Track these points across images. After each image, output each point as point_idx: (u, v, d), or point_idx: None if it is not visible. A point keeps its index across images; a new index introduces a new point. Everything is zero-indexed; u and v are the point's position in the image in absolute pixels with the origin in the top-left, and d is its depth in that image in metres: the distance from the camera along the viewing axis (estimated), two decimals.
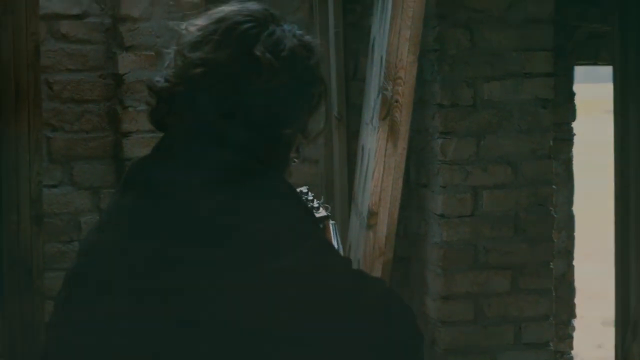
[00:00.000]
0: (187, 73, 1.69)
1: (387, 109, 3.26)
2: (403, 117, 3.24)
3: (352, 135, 4.48)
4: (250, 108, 1.66)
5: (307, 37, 1.75)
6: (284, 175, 1.73)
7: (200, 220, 1.60)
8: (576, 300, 5.63)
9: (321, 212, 2.09)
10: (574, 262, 5.58)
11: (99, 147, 4.31)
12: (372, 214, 3.33)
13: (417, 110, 4.21)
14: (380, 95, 3.33)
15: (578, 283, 5.77)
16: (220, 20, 1.72)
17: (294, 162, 1.77)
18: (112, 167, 4.30)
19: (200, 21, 1.74)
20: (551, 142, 4.41)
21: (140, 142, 4.19)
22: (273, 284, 1.56)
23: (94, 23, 4.28)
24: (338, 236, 2.11)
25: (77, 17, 4.27)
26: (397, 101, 3.24)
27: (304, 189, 2.15)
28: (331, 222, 2.11)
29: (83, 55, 4.28)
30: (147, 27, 4.21)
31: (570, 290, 5.50)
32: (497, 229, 4.36)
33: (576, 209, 5.68)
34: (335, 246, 2.08)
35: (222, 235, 1.58)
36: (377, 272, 3.34)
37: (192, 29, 1.73)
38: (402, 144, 3.28)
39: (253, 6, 1.74)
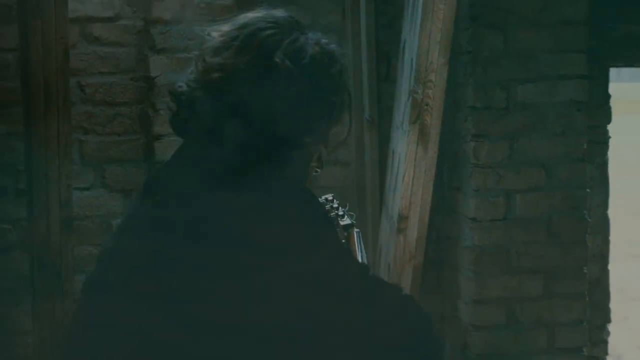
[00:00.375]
0: (206, 78, 1.69)
1: (418, 112, 3.24)
2: (433, 121, 3.22)
3: (384, 138, 4.46)
4: (268, 114, 1.66)
5: (331, 46, 1.74)
6: (304, 182, 1.72)
7: (216, 226, 1.60)
8: (620, 302, 5.57)
9: (346, 220, 2.07)
10: (611, 266, 5.51)
11: (130, 149, 4.32)
12: (403, 217, 3.31)
13: (449, 113, 4.18)
14: (410, 99, 3.30)
15: (622, 284, 5.70)
16: (243, 27, 1.72)
17: (316, 171, 1.76)
18: (144, 170, 4.31)
19: (224, 27, 1.74)
20: (585, 145, 4.36)
21: (172, 145, 4.18)
22: (288, 288, 1.56)
23: (125, 26, 4.29)
24: (362, 245, 2.09)
25: (109, 19, 4.28)
26: (427, 104, 3.22)
27: (329, 197, 2.14)
28: (355, 230, 2.09)
29: (115, 57, 4.29)
30: (179, 30, 4.21)
31: (605, 295, 5.44)
32: (530, 233, 4.32)
33: (620, 210, 5.61)
34: (359, 255, 2.07)
35: (239, 240, 1.58)
36: (407, 276, 3.32)
37: (215, 34, 1.74)
38: (433, 147, 3.26)
39: (278, 13, 1.74)
